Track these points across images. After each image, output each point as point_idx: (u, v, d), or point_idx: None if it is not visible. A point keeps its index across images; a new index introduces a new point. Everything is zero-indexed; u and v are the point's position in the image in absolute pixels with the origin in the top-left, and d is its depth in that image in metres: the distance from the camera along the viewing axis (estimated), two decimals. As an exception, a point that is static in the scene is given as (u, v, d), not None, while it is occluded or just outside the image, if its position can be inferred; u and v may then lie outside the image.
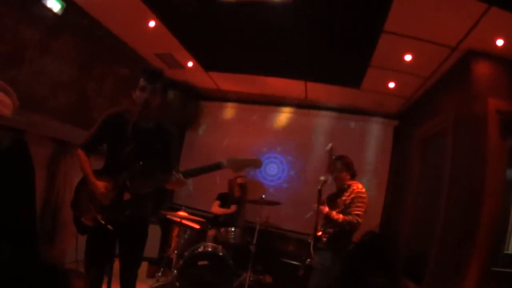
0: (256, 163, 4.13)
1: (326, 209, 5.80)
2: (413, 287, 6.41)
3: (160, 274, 7.43)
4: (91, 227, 3.88)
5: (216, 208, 8.59)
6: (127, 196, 3.79)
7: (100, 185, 3.88)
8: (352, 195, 5.81)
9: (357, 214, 5.66)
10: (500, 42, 5.31)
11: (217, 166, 3.91)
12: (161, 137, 4.10)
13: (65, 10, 6.13)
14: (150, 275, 7.68)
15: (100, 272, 4.03)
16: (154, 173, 3.87)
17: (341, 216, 5.68)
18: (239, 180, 8.76)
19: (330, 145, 6.32)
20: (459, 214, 5.48)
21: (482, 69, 5.71)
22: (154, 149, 4.01)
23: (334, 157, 6.21)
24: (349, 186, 5.98)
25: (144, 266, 7.52)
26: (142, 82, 3.94)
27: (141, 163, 3.80)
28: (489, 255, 5.17)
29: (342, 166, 6.09)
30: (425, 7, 5.02)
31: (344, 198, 5.86)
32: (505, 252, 5.51)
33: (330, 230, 5.80)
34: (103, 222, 3.71)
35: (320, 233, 5.90)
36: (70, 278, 5.49)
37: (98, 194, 3.85)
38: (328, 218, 5.78)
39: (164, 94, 4.04)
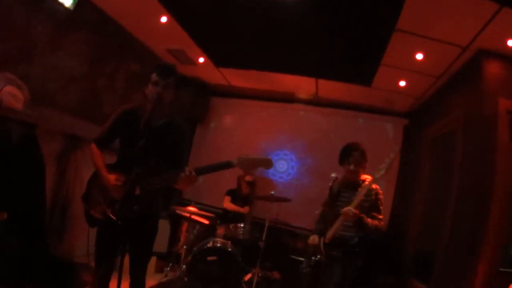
0: (267, 164, 4.09)
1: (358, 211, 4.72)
2: (421, 287, 6.41)
3: (168, 269, 7.49)
4: (101, 220, 3.94)
5: (228, 204, 8.61)
6: (138, 191, 3.81)
7: (112, 178, 3.93)
8: (373, 196, 4.98)
9: (380, 219, 4.90)
10: (511, 43, 5.30)
11: (227, 165, 3.90)
12: (172, 134, 4.13)
13: (76, 5, 6.15)
14: (159, 270, 7.70)
15: (110, 266, 4.07)
16: (165, 170, 3.90)
17: (370, 220, 4.78)
18: (247, 178, 8.77)
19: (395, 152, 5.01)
20: (468, 214, 5.47)
21: (493, 69, 5.69)
22: (165, 145, 4.05)
23: (349, 144, 5.29)
24: (363, 181, 5.10)
25: (153, 261, 7.56)
26: (154, 77, 3.96)
27: (153, 159, 3.82)
28: (497, 255, 5.17)
29: (362, 158, 5.18)
30: (437, 6, 5.02)
31: (359, 197, 4.80)
32: (513, 253, 5.52)
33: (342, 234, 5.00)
34: (113, 218, 3.74)
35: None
36: (79, 272, 5.53)
37: (109, 187, 3.91)
38: (358, 222, 4.76)
39: (176, 89, 4.05)
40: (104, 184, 3.95)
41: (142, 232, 4.13)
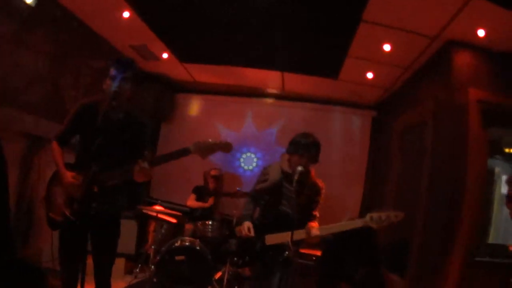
0: (225, 147, 3.98)
1: None
2: (396, 278, 6.40)
3: (138, 270, 7.33)
4: (61, 222, 3.85)
5: (192, 202, 8.52)
6: (96, 189, 3.72)
7: (69, 176, 3.85)
8: (319, 197, 4.76)
9: None
10: (481, 33, 5.33)
11: (184, 152, 3.84)
12: (131, 128, 4.10)
13: (38, 1, 5.98)
14: (128, 271, 7.57)
15: (75, 269, 3.95)
16: (123, 164, 3.84)
17: None
18: (212, 172, 8.72)
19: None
20: (441, 205, 5.50)
21: (463, 59, 5.74)
22: (124, 140, 4.01)
23: (307, 140, 4.68)
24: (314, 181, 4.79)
25: (121, 262, 7.44)
26: (112, 71, 3.92)
27: (111, 155, 3.76)
28: (472, 245, 5.21)
29: (318, 156, 4.69)
30: (405, -4, 5.00)
31: (308, 195, 4.69)
32: (488, 242, 5.56)
33: None
34: (71, 218, 3.69)
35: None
36: (47, 276, 5.38)
37: (66, 186, 3.84)
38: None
39: (137, 84, 4.01)
40: (62, 183, 3.88)
41: (103, 233, 4.07)
